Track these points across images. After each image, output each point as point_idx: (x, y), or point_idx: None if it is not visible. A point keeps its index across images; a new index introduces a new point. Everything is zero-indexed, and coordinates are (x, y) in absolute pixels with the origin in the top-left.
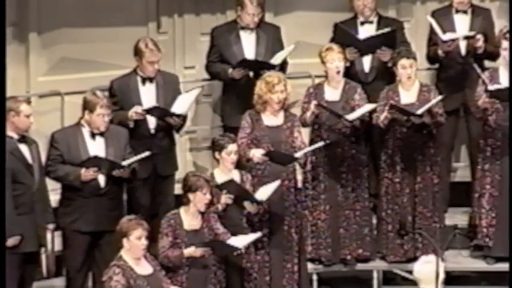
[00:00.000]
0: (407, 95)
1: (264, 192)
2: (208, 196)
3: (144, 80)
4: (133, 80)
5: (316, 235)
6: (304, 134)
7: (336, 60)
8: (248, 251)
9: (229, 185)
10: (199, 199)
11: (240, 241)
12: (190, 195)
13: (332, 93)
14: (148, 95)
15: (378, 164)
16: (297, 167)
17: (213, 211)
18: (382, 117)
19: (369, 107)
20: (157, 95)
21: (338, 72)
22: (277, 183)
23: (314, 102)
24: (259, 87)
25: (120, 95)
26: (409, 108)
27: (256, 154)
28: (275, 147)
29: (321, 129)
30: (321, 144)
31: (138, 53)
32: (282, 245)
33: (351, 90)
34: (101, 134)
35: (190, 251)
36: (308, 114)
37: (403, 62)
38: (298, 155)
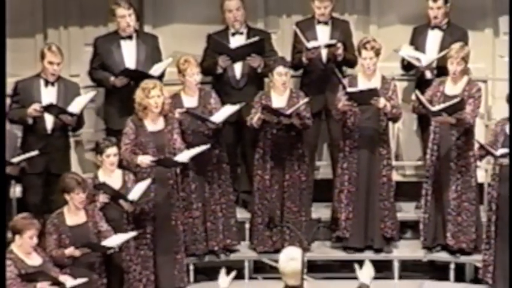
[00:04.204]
0: (278, 100)
1: (135, 192)
2: (81, 195)
3: (46, 83)
4: (37, 82)
5: (190, 232)
6: None
7: (195, 74)
8: (128, 245)
9: (102, 186)
10: (74, 199)
11: (115, 240)
12: (66, 196)
13: (190, 100)
14: (49, 97)
15: (251, 162)
16: None
17: (92, 208)
18: (256, 118)
19: (231, 108)
20: (58, 97)
21: (196, 84)
22: (147, 182)
23: (178, 110)
24: (137, 94)
25: (22, 94)
26: (282, 111)
27: (145, 161)
28: (159, 151)
29: (185, 135)
30: (205, 147)
31: (41, 55)
32: (170, 239)
33: (207, 95)
34: None
35: (70, 250)
36: None
37: (280, 69)
38: (183, 159)
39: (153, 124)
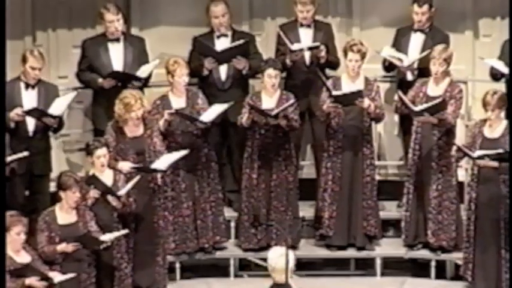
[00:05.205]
0: (268, 101)
1: (124, 188)
2: (77, 194)
3: (27, 86)
4: (17, 85)
5: (180, 231)
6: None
7: (184, 75)
8: (119, 243)
9: (93, 180)
10: (70, 197)
11: (108, 236)
12: (62, 193)
13: (178, 101)
14: (30, 99)
15: (237, 162)
16: None
17: (83, 205)
18: (245, 118)
19: (220, 107)
20: (38, 100)
21: (184, 85)
22: (136, 178)
23: (167, 111)
24: (118, 107)
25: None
26: (268, 111)
27: (125, 167)
28: (139, 156)
29: (174, 135)
30: (183, 153)
31: (23, 59)
32: (152, 241)
33: (194, 96)
34: None
35: (62, 246)
36: (161, 122)
37: (270, 71)
38: (160, 167)
39: (133, 130)
